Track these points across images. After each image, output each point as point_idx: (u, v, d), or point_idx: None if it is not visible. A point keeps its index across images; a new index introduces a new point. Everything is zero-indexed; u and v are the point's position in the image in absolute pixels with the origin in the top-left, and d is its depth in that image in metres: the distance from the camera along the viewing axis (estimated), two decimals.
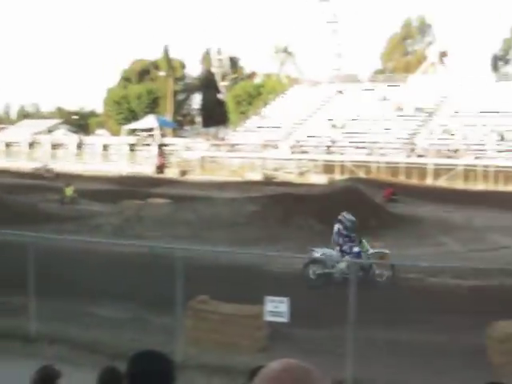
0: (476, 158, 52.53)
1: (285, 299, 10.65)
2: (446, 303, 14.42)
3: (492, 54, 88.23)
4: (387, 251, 18.62)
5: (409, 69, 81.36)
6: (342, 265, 16.88)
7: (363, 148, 57.96)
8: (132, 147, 69.51)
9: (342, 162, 56.49)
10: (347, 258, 17.35)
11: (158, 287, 12.42)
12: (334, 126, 63.04)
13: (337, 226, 18.27)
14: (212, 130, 78.17)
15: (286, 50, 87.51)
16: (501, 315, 11.55)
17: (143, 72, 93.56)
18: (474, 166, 51.51)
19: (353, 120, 63.46)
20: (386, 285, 16.55)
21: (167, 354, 3.72)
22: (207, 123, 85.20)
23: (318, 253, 17.87)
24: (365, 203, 31.77)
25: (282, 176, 56.11)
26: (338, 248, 18.00)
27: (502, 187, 48.32)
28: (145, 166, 64.79)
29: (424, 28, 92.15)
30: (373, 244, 19.07)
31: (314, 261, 17.60)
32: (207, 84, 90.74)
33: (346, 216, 18.57)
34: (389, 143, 57.99)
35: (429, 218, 31.81)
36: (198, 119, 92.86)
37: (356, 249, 17.87)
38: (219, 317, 11.84)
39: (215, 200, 30.97)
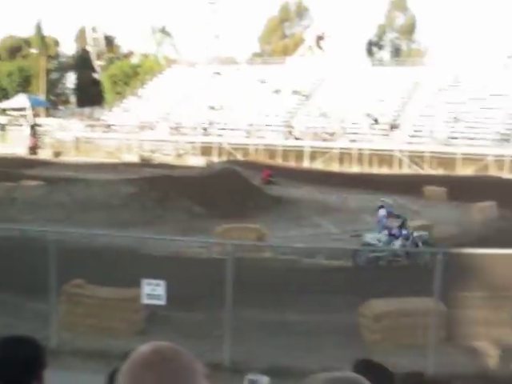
0: (351, 141, 53.74)
1: (162, 282, 10.53)
2: (321, 283, 14.67)
3: (367, 39, 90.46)
4: (427, 233, 19.61)
5: (287, 52, 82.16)
6: (395, 248, 18.10)
7: (241, 130, 58.24)
8: (3, 127, 67.13)
9: (220, 144, 56.57)
10: (399, 241, 18.47)
11: (31, 272, 12.03)
12: (211, 108, 63.01)
13: (383, 211, 19.25)
14: (87, 110, 76.56)
15: (163, 30, 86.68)
16: (374, 294, 11.83)
17: (14, 49, 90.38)
18: (349, 148, 52.71)
19: (230, 102, 63.60)
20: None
21: (38, 339, 3.53)
22: (82, 103, 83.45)
23: (367, 237, 18.71)
24: (243, 185, 31.99)
25: (159, 158, 55.63)
26: (386, 232, 18.79)
27: (376, 170, 49.68)
28: (17, 146, 62.57)
29: (301, 11, 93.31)
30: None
31: (365, 245, 18.42)
32: (82, 63, 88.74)
33: (386, 201, 20.02)
34: (266, 125, 58.50)
35: (305, 200, 32.30)
36: (73, 99, 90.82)
37: (405, 231, 18.77)
38: (95, 301, 11.60)
39: (90, 182, 30.32)
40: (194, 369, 1.76)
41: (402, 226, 19.02)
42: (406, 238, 18.57)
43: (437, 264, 10.05)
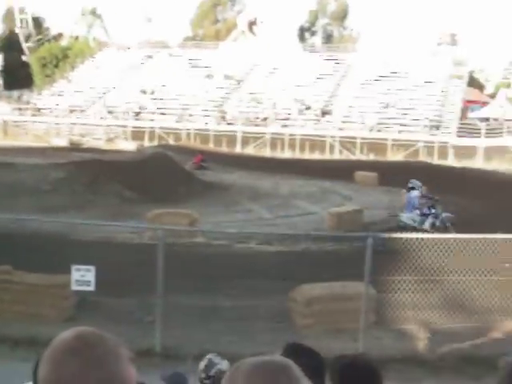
0: (283, 126, 53.94)
1: (92, 268, 10.39)
2: (253, 269, 14.70)
3: (299, 25, 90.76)
4: (453, 215, 20.15)
5: (219, 37, 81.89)
6: (426, 226, 19.10)
7: (173, 115, 57.88)
8: None
9: (152, 128, 56.10)
10: (430, 220, 19.45)
11: None
12: (143, 92, 62.44)
13: (416, 192, 20.16)
14: (15, 93, 74.96)
15: (93, 12, 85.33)
16: (305, 279, 11.91)
17: None
18: (281, 134, 52.90)
19: (162, 86, 63.15)
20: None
21: None
22: (10, 86, 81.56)
23: (403, 217, 19.78)
24: (174, 170, 31.83)
25: (89, 142, 54.85)
26: (417, 211, 19.73)
27: (307, 155, 49.95)
28: None
29: None
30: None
31: (401, 225, 19.37)
32: (10, 44, 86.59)
33: (416, 182, 20.63)
34: (199, 110, 58.27)
35: (237, 185, 32.33)
36: (0, 81, 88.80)
37: (434, 210, 19.75)
38: (23, 287, 11.37)
39: (18, 166, 29.72)
40: (119, 354, 1.72)
41: (432, 206, 19.89)
42: (436, 216, 19.53)
43: (366, 248, 10.15)
